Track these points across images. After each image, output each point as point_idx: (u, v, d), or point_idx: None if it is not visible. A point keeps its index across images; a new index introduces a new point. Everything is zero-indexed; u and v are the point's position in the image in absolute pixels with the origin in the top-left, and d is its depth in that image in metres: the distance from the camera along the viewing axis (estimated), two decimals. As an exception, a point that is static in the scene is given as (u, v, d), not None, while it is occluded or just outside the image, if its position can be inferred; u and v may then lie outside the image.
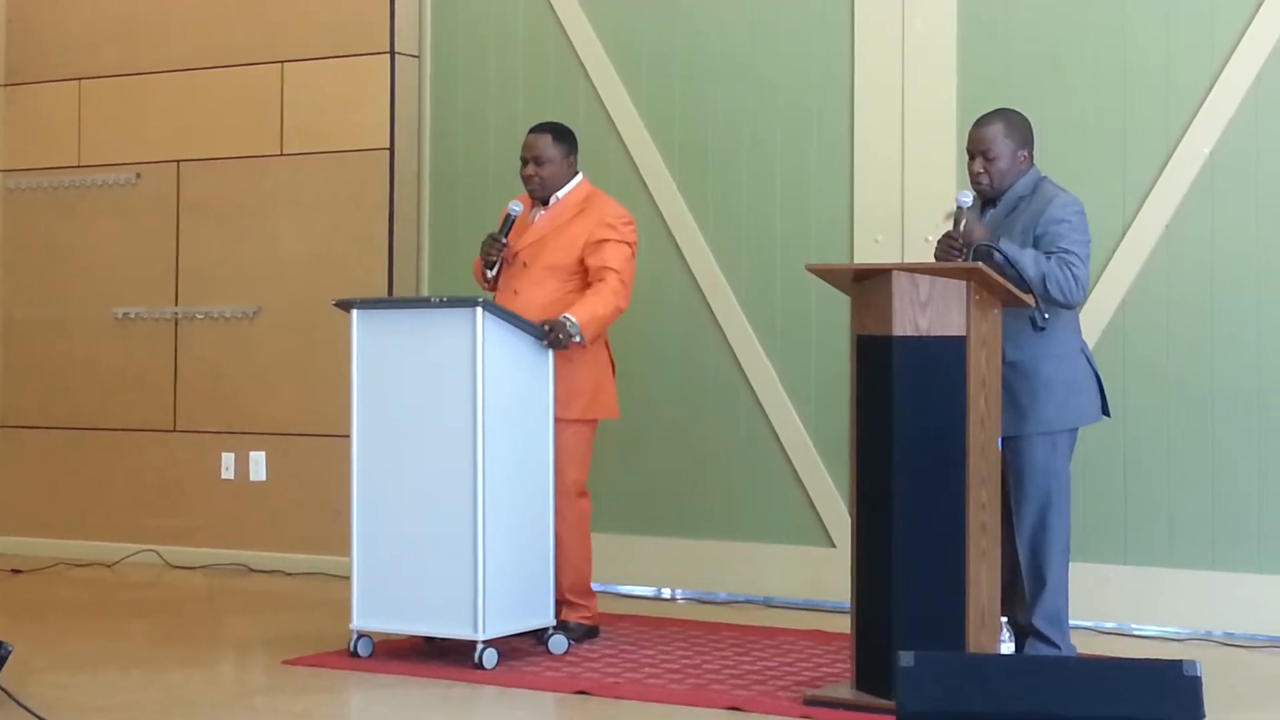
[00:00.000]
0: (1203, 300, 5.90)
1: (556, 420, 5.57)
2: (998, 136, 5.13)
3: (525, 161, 5.78)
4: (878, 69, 6.40)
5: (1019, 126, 5.18)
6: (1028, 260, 4.89)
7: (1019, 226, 5.08)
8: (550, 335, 5.47)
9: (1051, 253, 4.95)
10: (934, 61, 6.30)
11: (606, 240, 5.68)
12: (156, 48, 7.75)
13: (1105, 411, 5.20)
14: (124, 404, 7.78)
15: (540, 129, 5.84)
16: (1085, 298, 5.08)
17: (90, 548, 7.73)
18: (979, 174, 5.15)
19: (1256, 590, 5.78)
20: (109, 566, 7.56)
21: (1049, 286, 4.91)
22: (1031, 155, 5.19)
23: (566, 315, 5.52)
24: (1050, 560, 5.06)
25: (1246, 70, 5.83)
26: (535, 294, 5.68)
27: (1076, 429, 5.15)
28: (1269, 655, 5.61)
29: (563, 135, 5.82)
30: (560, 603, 5.65)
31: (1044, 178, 5.19)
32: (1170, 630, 5.90)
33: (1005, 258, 4.85)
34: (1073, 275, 4.95)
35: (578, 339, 5.52)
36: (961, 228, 4.97)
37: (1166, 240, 5.95)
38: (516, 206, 5.74)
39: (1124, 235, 5.98)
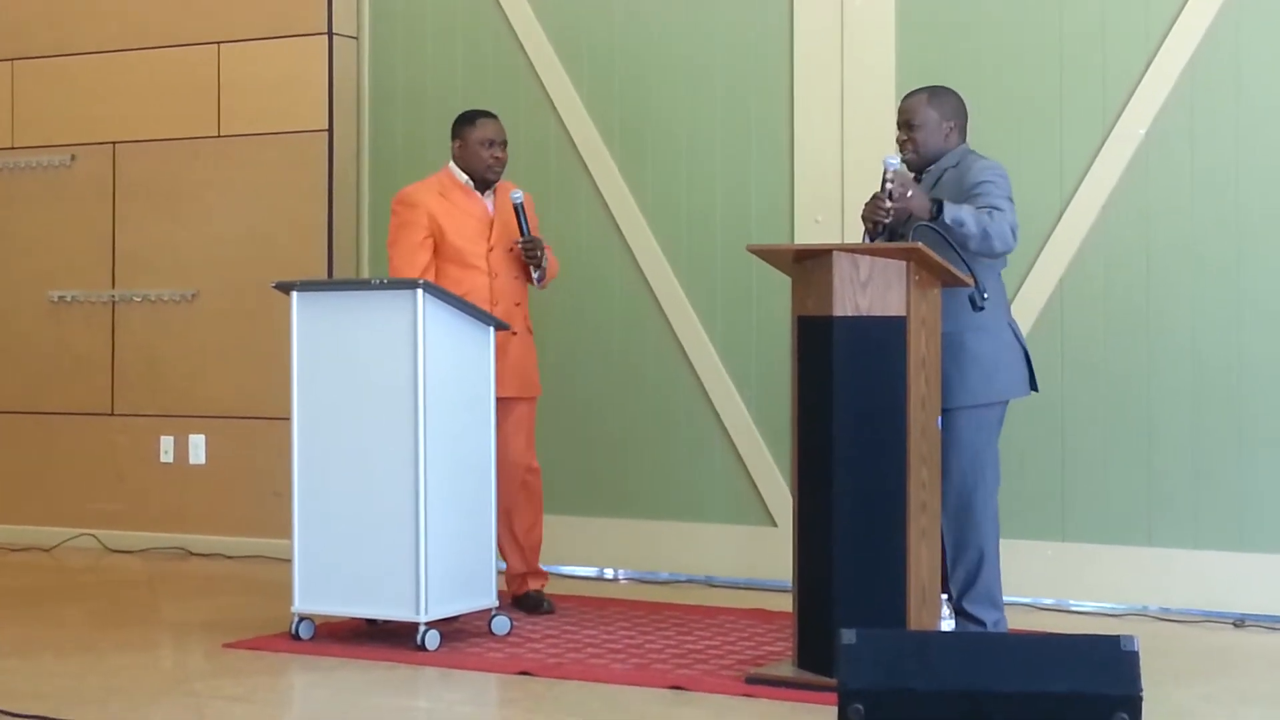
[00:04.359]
0: (1138, 279, 5.95)
1: (521, 400, 5.77)
2: (920, 106, 5.20)
3: (499, 145, 5.82)
4: (817, 49, 6.41)
5: (944, 99, 5.22)
6: (968, 215, 4.84)
7: (945, 197, 5.09)
8: (536, 245, 5.75)
9: (980, 209, 4.92)
10: (873, 41, 6.32)
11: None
12: (90, 28, 7.66)
13: (1033, 386, 5.19)
14: (61, 388, 7.71)
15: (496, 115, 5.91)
16: (1017, 242, 4.99)
17: (28, 532, 7.66)
18: (904, 142, 5.21)
19: (1191, 565, 5.85)
20: (47, 551, 7.50)
21: (993, 240, 4.86)
22: (961, 131, 5.21)
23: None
24: (975, 539, 5.02)
25: (1180, 52, 5.88)
26: (515, 284, 5.85)
27: (1004, 403, 5.15)
28: (1204, 629, 5.68)
29: None
30: (528, 575, 5.88)
31: (971, 151, 5.21)
32: (1107, 606, 5.96)
33: (953, 218, 4.81)
34: (1005, 223, 4.90)
35: (541, 267, 5.80)
36: (889, 189, 4.93)
37: (1103, 220, 5.99)
38: (518, 194, 5.80)
39: (1060, 216, 6.03)
